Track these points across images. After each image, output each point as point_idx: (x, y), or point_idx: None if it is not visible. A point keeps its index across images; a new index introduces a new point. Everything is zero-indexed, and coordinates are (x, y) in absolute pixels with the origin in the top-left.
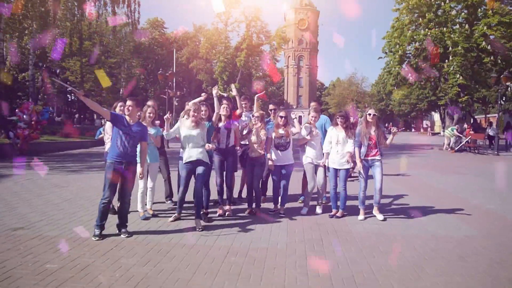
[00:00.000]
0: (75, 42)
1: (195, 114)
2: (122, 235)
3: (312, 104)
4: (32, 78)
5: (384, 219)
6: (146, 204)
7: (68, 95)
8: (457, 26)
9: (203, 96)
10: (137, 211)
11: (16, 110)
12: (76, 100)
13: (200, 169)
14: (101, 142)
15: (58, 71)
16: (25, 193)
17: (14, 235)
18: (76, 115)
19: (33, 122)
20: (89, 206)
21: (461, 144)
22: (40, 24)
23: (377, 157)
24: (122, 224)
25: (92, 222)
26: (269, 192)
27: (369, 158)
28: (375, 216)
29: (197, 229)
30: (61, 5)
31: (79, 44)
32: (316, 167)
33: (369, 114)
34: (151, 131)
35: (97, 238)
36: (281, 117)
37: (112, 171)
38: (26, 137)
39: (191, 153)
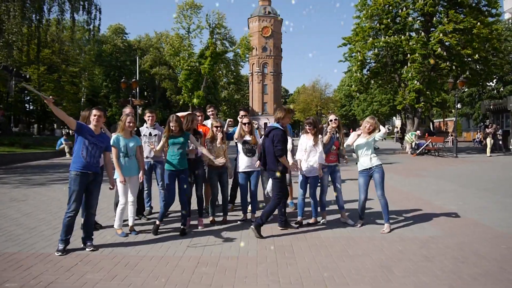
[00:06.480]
0: (33, 49)
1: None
2: (87, 249)
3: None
4: None
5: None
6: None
7: (26, 105)
8: (414, 33)
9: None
10: (112, 227)
11: None
12: (35, 110)
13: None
14: (62, 153)
15: (28, 76)
16: None
17: None
18: (35, 125)
19: None
20: (51, 220)
21: (422, 147)
22: None
23: (337, 163)
24: (87, 237)
25: (54, 237)
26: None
27: (330, 164)
28: (342, 220)
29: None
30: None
31: (37, 51)
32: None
33: (331, 120)
34: (131, 142)
35: (60, 253)
36: (245, 123)
37: (78, 183)
38: None
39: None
